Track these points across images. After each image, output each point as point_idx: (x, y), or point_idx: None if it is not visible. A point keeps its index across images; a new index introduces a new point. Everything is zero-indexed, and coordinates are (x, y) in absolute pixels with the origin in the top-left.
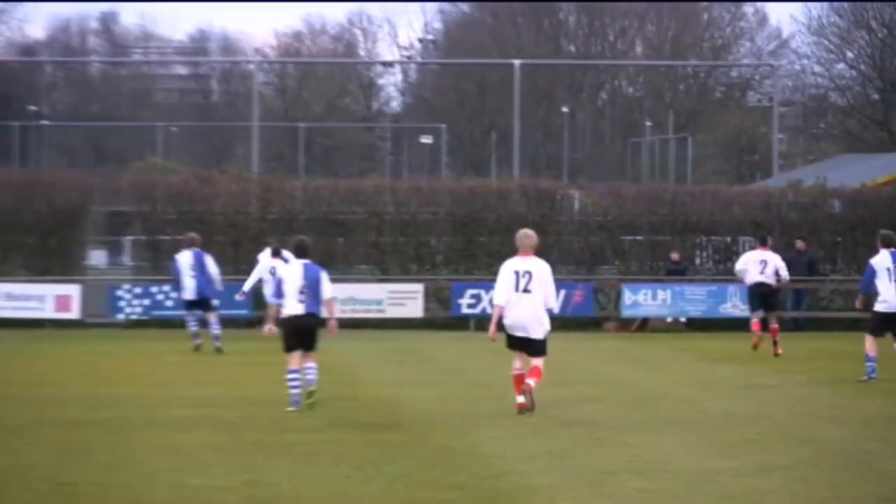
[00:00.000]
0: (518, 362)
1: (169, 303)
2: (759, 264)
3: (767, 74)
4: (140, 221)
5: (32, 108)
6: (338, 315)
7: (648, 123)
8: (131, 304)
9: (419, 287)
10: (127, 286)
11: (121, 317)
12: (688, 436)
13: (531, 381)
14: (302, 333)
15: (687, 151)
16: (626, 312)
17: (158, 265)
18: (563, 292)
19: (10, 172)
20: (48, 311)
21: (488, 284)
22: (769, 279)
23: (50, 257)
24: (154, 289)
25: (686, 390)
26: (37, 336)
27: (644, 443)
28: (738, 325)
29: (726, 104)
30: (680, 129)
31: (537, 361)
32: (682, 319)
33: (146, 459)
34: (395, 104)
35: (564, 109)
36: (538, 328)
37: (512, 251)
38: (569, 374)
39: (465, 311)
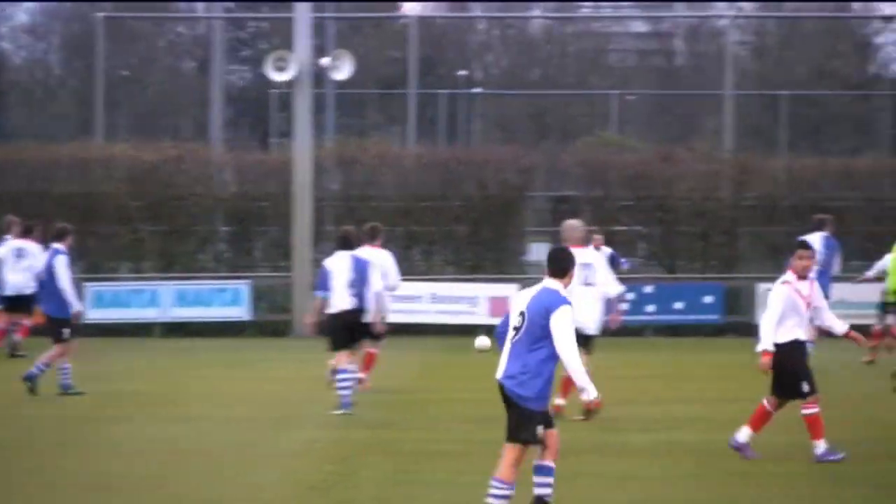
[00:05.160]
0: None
1: (650, 307)
2: None
3: None
4: (590, 208)
5: (462, 73)
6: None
7: None
8: None
9: None
10: None
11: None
12: None
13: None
14: (348, 329)
15: None
16: None
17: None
18: None
19: (436, 150)
20: (481, 316)
21: None
22: None
23: (482, 251)
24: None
25: None
26: (468, 344)
27: None
28: None
29: None
30: None
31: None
32: None
33: (601, 490)
34: None
35: None
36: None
37: None
38: None
39: None
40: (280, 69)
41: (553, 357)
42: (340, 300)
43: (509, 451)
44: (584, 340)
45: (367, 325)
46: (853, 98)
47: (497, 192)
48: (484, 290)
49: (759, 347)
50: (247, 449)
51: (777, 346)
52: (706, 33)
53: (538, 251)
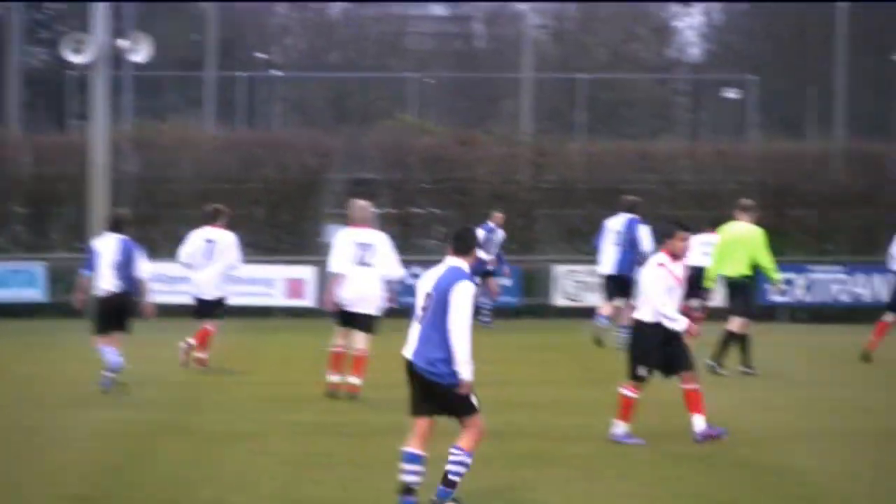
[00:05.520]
0: (341, 339)
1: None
2: None
3: None
4: (389, 191)
5: (261, 56)
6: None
7: None
8: None
9: None
10: None
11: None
12: None
13: (356, 381)
14: (114, 312)
15: None
16: None
17: (409, 243)
18: None
19: (235, 133)
20: (278, 298)
21: (802, 267)
22: None
23: (280, 234)
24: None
25: None
26: (265, 326)
27: None
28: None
29: None
30: None
31: (362, 343)
32: None
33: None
34: (695, 52)
35: None
36: (370, 305)
37: (831, 227)
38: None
39: (771, 298)
40: (77, 51)
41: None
42: (105, 282)
43: (469, 426)
44: (361, 320)
45: (133, 308)
46: (651, 82)
47: (296, 174)
48: (280, 272)
49: (680, 327)
50: (42, 431)
51: (639, 322)
52: (505, 17)
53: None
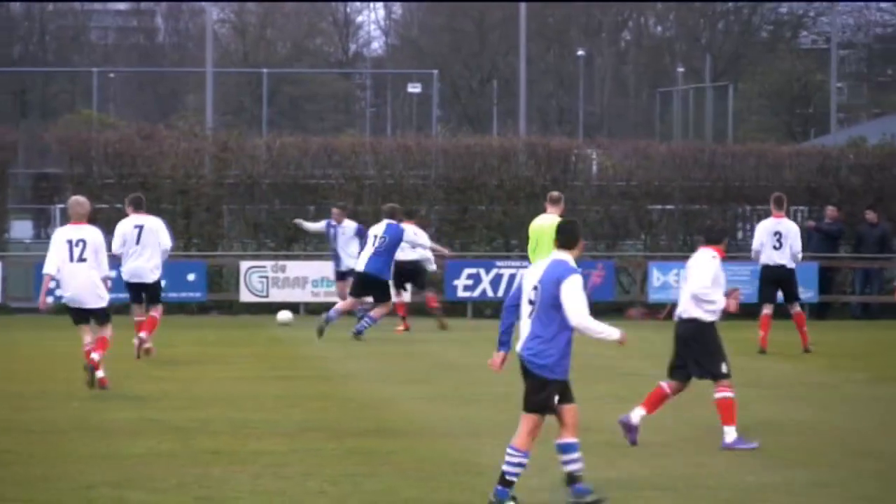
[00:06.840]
0: (88, 336)
1: (108, 283)
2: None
3: (824, 11)
4: (72, 186)
5: None
6: (306, 299)
7: (681, 70)
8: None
9: None
10: None
11: (50, 300)
12: None
13: (96, 356)
14: None
15: (727, 103)
16: (654, 296)
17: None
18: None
19: None
20: None
21: (488, 263)
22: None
23: None
24: None
25: None
26: None
27: (675, 453)
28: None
29: (774, 47)
30: (719, 77)
31: (105, 331)
32: None
33: (80, 471)
34: (377, 46)
35: (580, 53)
36: (95, 298)
37: (516, 222)
38: (584, 371)
39: (460, 294)
40: None
41: (567, 326)
42: None
43: (525, 421)
44: (94, 315)
45: None
46: (335, 76)
47: None
48: None
49: (720, 308)
50: None
51: (700, 323)
52: (187, 12)
53: (21, 229)
